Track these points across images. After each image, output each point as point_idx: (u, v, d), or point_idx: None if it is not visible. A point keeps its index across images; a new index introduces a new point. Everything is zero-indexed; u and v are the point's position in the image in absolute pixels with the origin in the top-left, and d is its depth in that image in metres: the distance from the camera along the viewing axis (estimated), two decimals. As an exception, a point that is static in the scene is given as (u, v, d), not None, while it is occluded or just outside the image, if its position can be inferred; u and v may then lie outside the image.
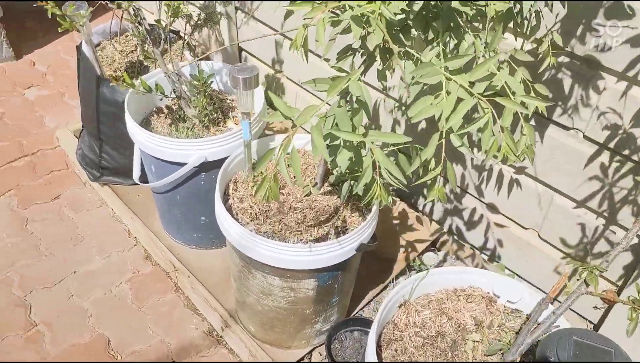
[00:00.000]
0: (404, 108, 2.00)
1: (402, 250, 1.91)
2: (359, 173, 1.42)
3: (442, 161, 0.98)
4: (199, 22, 1.99)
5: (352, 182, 1.40)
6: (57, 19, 1.49)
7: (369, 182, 1.06)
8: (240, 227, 1.32)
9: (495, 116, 0.96)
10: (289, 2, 1.08)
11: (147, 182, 1.84)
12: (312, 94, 2.36)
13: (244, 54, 2.68)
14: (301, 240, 1.35)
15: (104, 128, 1.98)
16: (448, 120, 0.97)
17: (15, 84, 2.75)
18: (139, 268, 1.95)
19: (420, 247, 1.91)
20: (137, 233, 2.03)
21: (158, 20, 1.65)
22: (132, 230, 2.06)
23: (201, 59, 1.84)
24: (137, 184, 2.13)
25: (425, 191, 2.03)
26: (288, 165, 1.01)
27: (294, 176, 1.03)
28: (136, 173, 1.79)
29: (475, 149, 1.75)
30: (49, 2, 1.47)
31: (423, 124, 1.93)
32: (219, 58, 2.77)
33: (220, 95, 1.88)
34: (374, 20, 0.98)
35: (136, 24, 1.57)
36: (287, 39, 2.36)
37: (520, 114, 1.03)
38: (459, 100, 0.97)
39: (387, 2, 1.01)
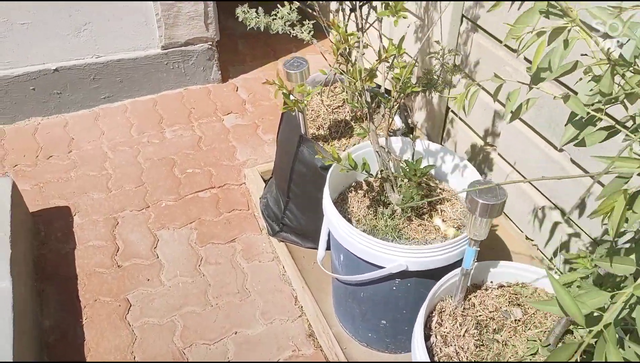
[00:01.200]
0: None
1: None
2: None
3: None
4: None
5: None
6: (284, 99, 1.34)
7: None
8: (444, 389, 1.03)
9: None
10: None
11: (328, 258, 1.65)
12: (529, 181, 1.98)
13: (450, 115, 2.39)
14: (521, 426, 1.02)
15: (294, 187, 1.83)
16: None
17: (217, 108, 2.79)
18: (300, 347, 1.76)
19: None
20: (305, 304, 1.85)
21: (381, 94, 1.44)
22: (299, 297, 1.89)
23: (416, 137, 1.59)
24: (315, 248, 1.96)
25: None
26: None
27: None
28: (320, 254, 1.60)
29: None
30: (276, 82, 1.31)
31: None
32: (421, 116, 2.52)
33: (431, 181, 1.62)
34: None
35: (357, 95, 1.36)
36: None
37: None
38: None
39: None
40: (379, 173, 1.50)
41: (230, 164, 2.46)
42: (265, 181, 2.30)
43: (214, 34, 2.78)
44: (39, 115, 2.62)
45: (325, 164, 1.45)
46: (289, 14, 1.98)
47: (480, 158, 2.26)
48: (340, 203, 1.58)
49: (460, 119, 2.33)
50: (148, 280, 1.96)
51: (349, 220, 1.52)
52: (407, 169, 1.44)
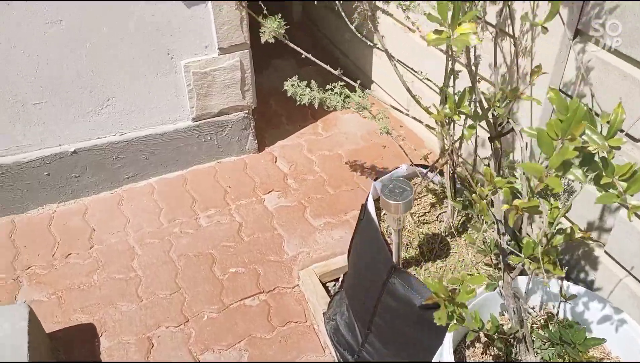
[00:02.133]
0: None
1: None
2: None
3: None
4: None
5: None
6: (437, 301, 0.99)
7: None
8: None
9: None
10: None
11: None
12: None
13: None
14: None
15: (379, 320, 1.48)
16: None
17: (256, 185, 2.44)
18: None
19: None
20: None
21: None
22: None
23: (572, 297, 1.23)
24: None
25: None
26: None
27: None
28: None
29: None
30: (440, 296, 0.92)
31: None
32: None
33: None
34: None
35: (495, 245, 1.02)
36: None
37: None
38: None
39: None
40: (512, 337, 1.16)
41: (279, 259, 2.11)
42: (324, 285, 1.95)
43: (251, 102, 2.45)
44: (54, 201, 2.28)
45: (439, 322, 1.10)
46: (361, 98, 1.66)
47: (578, 254, 1.91)
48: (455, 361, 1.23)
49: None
50: None
51: (474, 394, 1.17)
52: (561, 338, 1.10)
